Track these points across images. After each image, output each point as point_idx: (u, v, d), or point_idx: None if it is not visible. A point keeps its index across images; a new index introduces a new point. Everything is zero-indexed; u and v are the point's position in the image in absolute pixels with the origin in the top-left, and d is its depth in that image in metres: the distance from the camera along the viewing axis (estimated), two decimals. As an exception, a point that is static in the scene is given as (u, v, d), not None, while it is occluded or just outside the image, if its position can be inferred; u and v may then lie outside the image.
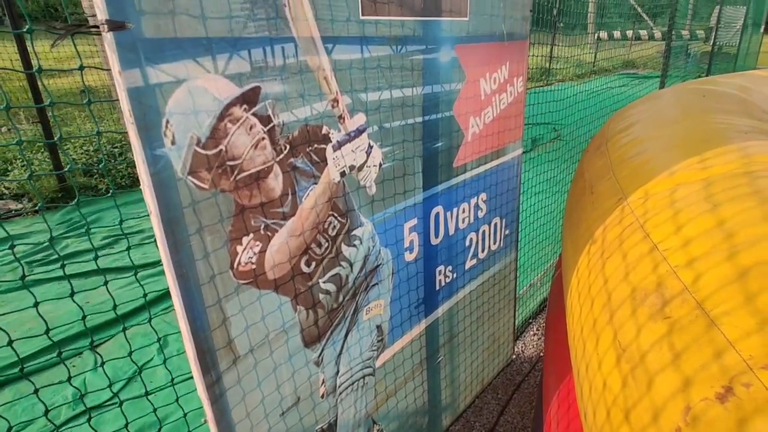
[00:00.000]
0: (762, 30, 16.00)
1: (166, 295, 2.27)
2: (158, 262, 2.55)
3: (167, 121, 0.61)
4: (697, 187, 0.56)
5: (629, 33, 13.18)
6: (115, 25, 0.54)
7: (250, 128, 0.71)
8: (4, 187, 3.30)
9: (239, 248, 0.74)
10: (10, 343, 0.80)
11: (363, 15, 0.85)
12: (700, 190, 0.54)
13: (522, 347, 1.95)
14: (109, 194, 3.13)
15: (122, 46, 0.55)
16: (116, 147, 3.78)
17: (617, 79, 9.46)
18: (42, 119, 3.14)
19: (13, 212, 3.16)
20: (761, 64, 13.71)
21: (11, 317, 2.05)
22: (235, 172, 0.70)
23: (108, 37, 0.54)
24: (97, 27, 0.55)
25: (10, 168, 3.42)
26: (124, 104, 0.57)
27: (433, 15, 1.01)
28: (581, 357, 0.59)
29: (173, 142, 0.62)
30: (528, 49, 1.43)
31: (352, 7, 0.82)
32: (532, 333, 2.04)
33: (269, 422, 0.86)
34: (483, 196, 1.38)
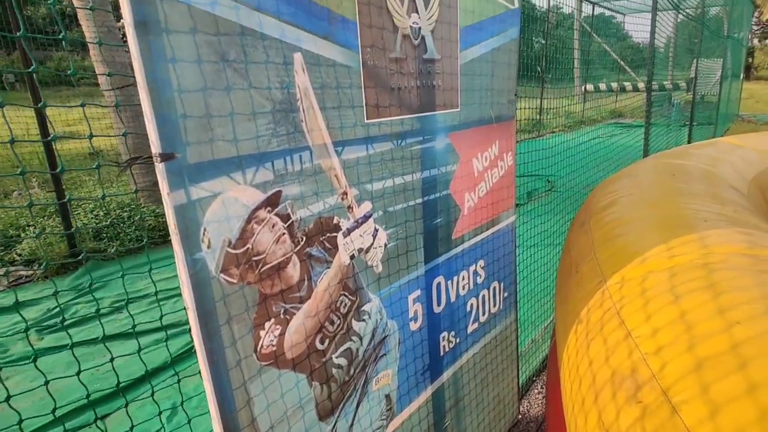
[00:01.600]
0: (742, 78, 16.72)
1: (176, 359, 2.31)
2: (166, 327, 2.59)
3: (205, 229, 0.71)
4: (664, 276, 0.65)
5: (614, 85, 13.77)
6: (166, 157, 0.65)
7: (273, 226, 0.81)
8: (16, 253, 3.39)
9: (262, 333, 0.82)
10: (20, 422, 0.86)
11: (367, 119, 0.97)
12: (666, 280, 0.63)
13: (527, 406, 1.96)
14: (119, 251, 3.21)
15: (171, 172, 0.66)
16: (125, 211, 3.90)
17: (606, 128, 9.80)
18: (56, 186, 3.28)
19: (24, 278, 3.23)
20: (744, 110, 14.26)
21: (23, 386, 2.07)
22: (260, 266, 0.79)
23: (160, 166, 0.65)
24: (151, 158, 0.66)
25: (22, 234, 3.53)
26: (170, 219, 0.67)
27: (428, 110, 1.14)
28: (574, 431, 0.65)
29: (209, 246, 0.71)
30: (515, 126, 1.57)
31: (358, 115, 0.95)
32: (536, 391, 2.06)
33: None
34: (481, 262, 1.47)
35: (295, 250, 0.86)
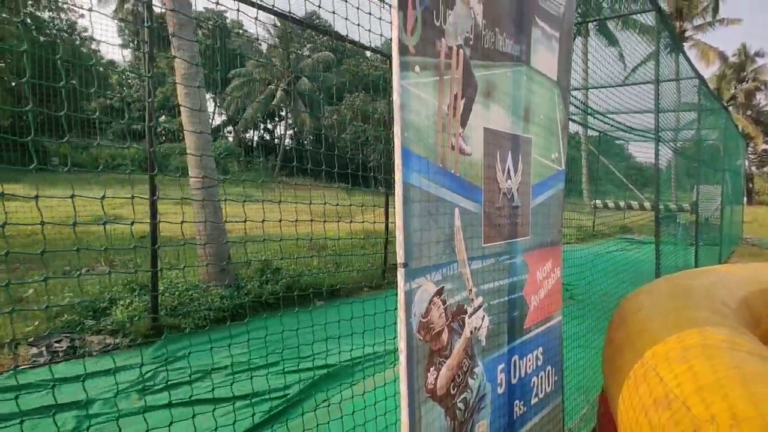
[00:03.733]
0: (743, 203, 17.62)
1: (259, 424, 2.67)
2: (249, 395, 2.97)
3: (413, 307, 1.24)
4: (678, 352, 1.15)
5: (621, 203, 14.64)
6: (404, 265, 1.22)
7: (438, 307, 1.35)
8: (104, 324, 3.87)
9: (428, 374, 1.31)
10: None
11: (483, 244, 1.55)
12: (679, 354, 1.13)
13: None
14: (191, 327, 3.66)
15: (405, 273, 1.22)
16: (196, 292, 4.43)
17: (618, 243, 10.40)
18: (153, 262, 3.86)
19: (111, 346, 3.67)
20: (748, 233, 14.93)
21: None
22: (431, 331, 1.31)
23: (402, 270, 1.21)
24: (396, 265, 1.22)
25: (113, 307, 4.03)
26: (401, 298, 1.21)
27: (513, 238, 1.72)
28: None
29: (414, 316, 1.25)
30: (561, 249, 2.14)
31: (477, 242, 1.53)
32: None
33: (428, 498, 1.32)
34: (540, 349, 1.95)
35: (446, 323, 1.38)
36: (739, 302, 1.75)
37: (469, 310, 1.49)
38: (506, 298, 1.70)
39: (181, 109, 4.59)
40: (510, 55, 1.65)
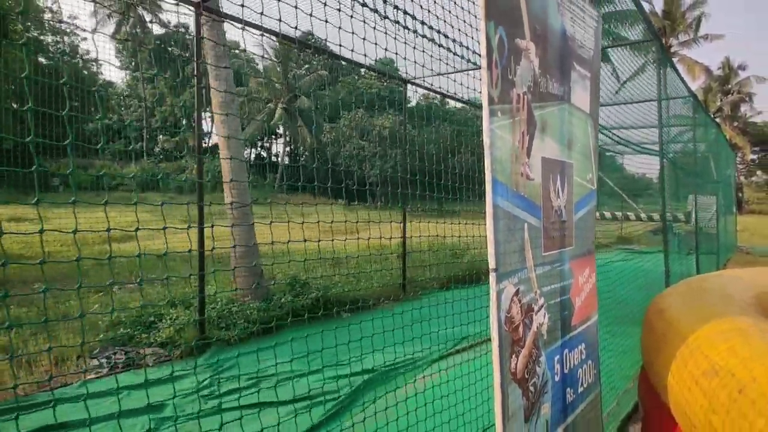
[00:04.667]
0: (735, 212, 18.12)
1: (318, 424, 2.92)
2: (308, 397, 3.22)
3: (501, 304, 1.54)
4: (717, 334, 1.45)
5: (619, 214, 15.00)
6: (494, 270, 1.52)
7: (516, 304, 1.64)
8: (153, 338, 4.11)
9: (511, 360, 1.60)
10: None
11: (543, 253, 1.86)
12: (719, 336, 1.43)
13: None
14: (234, 338, 3.90)
15: (495, 276, 1.52)
16: (234, 306, 4.68)
17: (618, 254, 10.75)
18: (200, 284, 4.12)
19: (163, 357, 3.91)
20: (741, 242, 15.38)
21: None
22: (512, 324, 1.61)
23: (492, 274, 1.51)
24: (488, 270, 1.52)
25: (161, 321, 4.28)
26: (493, 297, 1.51)
27: (562, 248, 2.03)
28: None
29: (502, 311, 1.54)
30: (595, 258, 2.45)
31: (539, 251, 1.83)
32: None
33: (513, 464, 1.60)
34: (582, 345, 2.25)
35: (522, 318, 1.68)
36: (752, 299, 2.06)
37: (535, 308, 1.79)
38: (559, 299, 2.00)
39: (218, 135, 4.90)
40: (556, 95, 1.99)
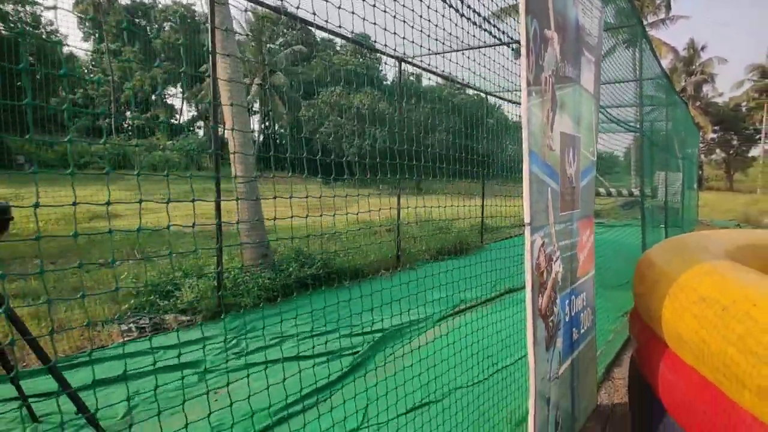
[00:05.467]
0: (696, 188, 19.20)
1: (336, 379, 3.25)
2: (327, 353, 3.54)
3: (534, 252, 1.88)
4: (702, 274, 1.83)
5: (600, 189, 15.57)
6: (528, 223, 1.85)
7: (542, 254, 1.99)
8: (173, 304, 4.33)
9: (539, 298, 1.95)
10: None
11: (560, 213, 2.20)
12: (703, 274, 1.81)
13: (599, 398, 2.99)
14: (250, 304, 4.20)
15: (530, 229, 1.85)
16: (246, 275, 4.93)
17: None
18: (219, 259, 4.35)
19: (186, 322, 4.15)
20: (702, 216, 16.42)
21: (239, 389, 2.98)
22: (539, 268, 1.95)
23: (527, 228, 1.84)
24: (523, 224, 1.85)
25: (177, 291, 4.49)
26: (528, 246, 1.84)
27: (571, 210, 2.39)
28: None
29: (533, 257, 1.88)
30: (594, 220, 2.83)
31: (557, 211, 2.18)
32: (602, 391, 3.09)
33: (540, 384, 1.97)
34: (584, 294, 2.63)
35: (545, 266, 2.03)
36: (722, 252, 2.47)
37: (554, 258, 2.14)
38: (569, 254, 2.36)
39: (226, 110, 5.03)
40: (571, 78, 2.31)
